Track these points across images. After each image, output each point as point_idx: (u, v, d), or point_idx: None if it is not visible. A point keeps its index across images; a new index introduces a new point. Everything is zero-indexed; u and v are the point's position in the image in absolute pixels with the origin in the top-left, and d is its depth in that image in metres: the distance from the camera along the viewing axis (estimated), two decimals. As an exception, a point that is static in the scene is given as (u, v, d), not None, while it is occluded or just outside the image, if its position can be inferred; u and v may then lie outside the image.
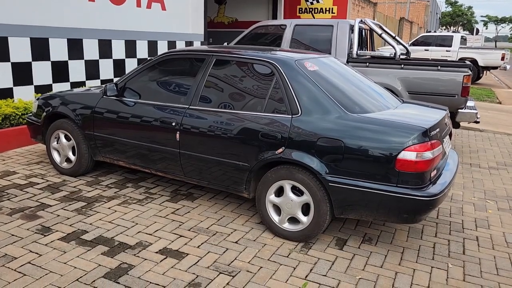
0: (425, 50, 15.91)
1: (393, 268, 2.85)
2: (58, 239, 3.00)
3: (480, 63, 15.28)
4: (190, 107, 3.44)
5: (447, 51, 15.58)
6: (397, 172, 2.73)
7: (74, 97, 4.13)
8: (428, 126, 2.80)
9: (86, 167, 4.17)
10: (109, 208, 3.56)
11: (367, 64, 5.58)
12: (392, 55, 6.28)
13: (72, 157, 4.18)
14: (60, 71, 6.09)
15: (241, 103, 3.26)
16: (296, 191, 3.08)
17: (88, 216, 3.38)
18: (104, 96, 3.81)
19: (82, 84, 6.47)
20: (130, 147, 3.78)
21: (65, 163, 4.27)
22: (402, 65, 5.41)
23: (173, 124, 3.45)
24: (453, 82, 5.12)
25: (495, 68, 15.41)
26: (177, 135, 3.44)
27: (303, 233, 3.07)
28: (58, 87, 6.08)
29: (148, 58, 3.52)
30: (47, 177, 4.21)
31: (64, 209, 3.48)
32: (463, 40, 16.88)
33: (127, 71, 7.26)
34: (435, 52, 15.50)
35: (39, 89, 5.84)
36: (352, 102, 3.04)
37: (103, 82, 6.85)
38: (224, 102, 3.33)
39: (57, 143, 4.26)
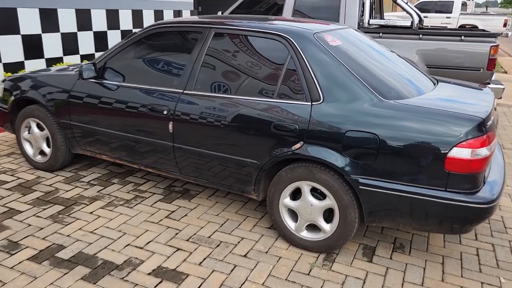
0: (424, 17, 15.21)
1: (436, 285, 2.37)
2: (27, 259, 2.45)
3: (482, 30, 14.66)
4: (185, 91, 2.85)
5: (447, 17, 14.90)
6: (446, 173, 2.20)
7: (46, 79, 3.49)
8: (484, 116, 2.26)
9: (63, 161, 3.58)
10: (91, 212, 3.00)
11: (380, 34, 4.97)
12: (398, 24, 5.65)
13: (47, 150, 3.58)
14: (32, 46, 5.38)
15: (247, 87, 2.67)
16: (317, 193, 2.56)
17: (66, 225, 2.82)
18: (80, 79, 3.17)
19: (59, 60, 5.77)
20: (113, 139, 3.19)
21: (39, 156, 3.67)
22: (420, 35, 4.81)
23: (165, 112, 2.86)
24: (479, 54, 4.56)
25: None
26: (170, 125, 2.86)
27: (326, 244, 2.56)
28: (32, 65, 5.38)
29: (133, 32, 2.84)
30: (18, 173, 3.61)
31: (37, 216, 2.92)
32: (463, 6, 16.19)
33: (110, 45, 6.55)
34: (434, 19, 14.82)
35: (8, 67, 5.14)
36: (386, 85, 2.47)
37: (83, 57, 6.15)
38: (227, 86, 2.74)
39: (28, 133, 3.65)
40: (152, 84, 2.98)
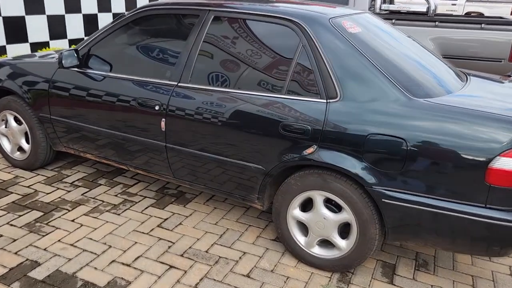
0: (428, 3, 14.74)
1: (468, 314, 2.05)
2: (-5, 280, 2.11)
3: (488, 18, 14.23)
4: (179, 84, 2.48)
5: (452, 4, 14.45)
6: (487, 187, 1.86)
7: (23, 66, 3.10)
8: (534, 119, 1.91)
9: (44, 159, 3.22)
10: (73, 220, 2.65)
11: (393, 21, 4.58)
12: (413, 10, 5.26)
13: (26, 146, 3.21)
14: (15, 29, 4.96)
15: (251, 81, 2.31)
16: (332, 205, 2.22)
17: (43, 236, 2.47)
18: (61, 67, 2.78)
19: (45, 45, 5.36)
20: (98, 136, 2.83)
21: (18, 152, 3.30)
22: (436, 23, 4.43)
23: (157, 108, 2.49)
24: (500, 44, 4.19)
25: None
26: (162, 122, 2.50)
27: (340, 263, 2.23)
28: (14, 50, 4.97)
29: (120, 15, 2.45)
30: (-6, 172, 3.25)
31: (11, 225, 2.57)
32: (468, -8, 15.71)
33: (100, 29, 6.12)
34: (440, 6, 14.37)
35: (-11, 52, 4.74)
36: (414, 81, 2.11)
37: (72, 42, 5.73)
38: (227, 79, 2.37)
39: (5, 127, 3.28)
40: (142, 75, 2.61)
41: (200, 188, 2.61)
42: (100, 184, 3.14)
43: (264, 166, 2.27)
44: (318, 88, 2.13)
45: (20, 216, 2.66)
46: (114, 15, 6.34)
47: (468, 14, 14.14)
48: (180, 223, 2.69)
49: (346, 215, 2.15)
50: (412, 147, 1.92)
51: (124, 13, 6.50)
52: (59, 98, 2.89)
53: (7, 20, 4.82)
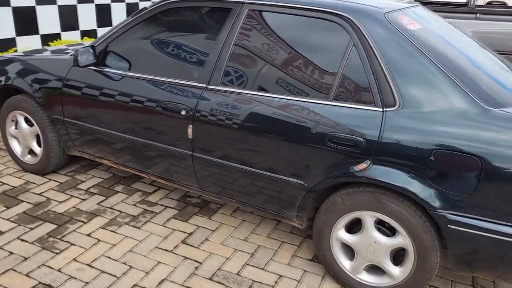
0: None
1: None
2: (4, 308, 1.87)
3: None
4: (208, 86, 2.20)
5: (473, -6, 13.92)
6: None
7: (35, 63, 2.84)
8: None
9: (57, 164, 2.98)
10: (89, 234, 2.41)
11: (429, 13, 4.24)
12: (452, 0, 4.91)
13: (37, 149, 2.97)
14: (25, 21, 4.70)
15: (292, 84, 2.03)
16: (384, 228, 1.94)
17: (57, 254, 2.23)
18: (76, 65, 2.51)
19: (56, 37, 5.10)
20: (116, 142, 2.57)
21: (29, 156, 3.06)
22: (477, 15, 4.09)
23: (183, 113, 2.22)
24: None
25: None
26: (189, 129, 2.23)
27: (393, 292, 1.96)
28: (24, 42, 4.72)
29: (142, 7, 2.15)
30: (2, 176, 3.01)
31: (22, 240, 2.33)
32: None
33: (114, 20, 5.86)
34: (460, -4, 13.86)
35: (-2, 45, 4.49)
36: (487, 88, 1.81)
37: (84, 34, 5.47)
38: (264, 82, 2.09)
39: (15, 128, 3.03)
40: (167, 75, 2.34)
41: (229, 201, 2.35)
42: (117, 192, 2.89)
43: (307, 181, 1.99)
44: (373, 94, 1.84)
45: (31, 229, 2.43)
46: (128, 5, 6.06)
47: (489, 3, 13.63)
48: (207, 239, 2.43)
49: (402, 240, 1.87)
50: (488, 166, 1.63)
51: (138, 3, 6.22)
52: (74, 98, 2.63)
53: (17, 11, 4.57)
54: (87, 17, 5.46)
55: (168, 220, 2.60)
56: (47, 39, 4.98)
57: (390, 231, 1.93)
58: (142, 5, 6.29)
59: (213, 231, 2.51)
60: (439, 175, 1.71)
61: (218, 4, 2.27)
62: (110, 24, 5.83)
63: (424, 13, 2.30)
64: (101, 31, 5.67)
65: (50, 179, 3.00)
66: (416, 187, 1.75)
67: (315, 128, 1.91)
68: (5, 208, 2.62)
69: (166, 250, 2.32)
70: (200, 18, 2.35)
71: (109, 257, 2.23)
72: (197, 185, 2.40)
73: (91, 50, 2.51)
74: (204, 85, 2.21)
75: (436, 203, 1.73)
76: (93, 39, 5.40)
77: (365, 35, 1.88)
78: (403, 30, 1.89)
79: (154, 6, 2.43)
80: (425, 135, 1.72)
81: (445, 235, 1.77)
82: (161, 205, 2.76)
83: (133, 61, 2.50)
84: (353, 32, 1.91)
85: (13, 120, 3.03)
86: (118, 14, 5.94)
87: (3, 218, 2.51)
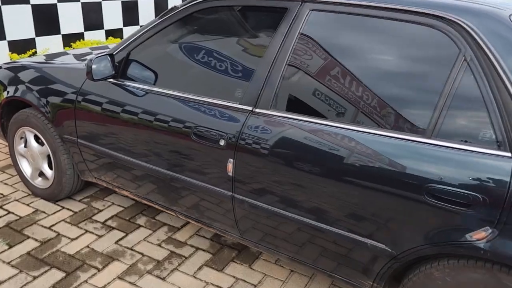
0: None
1: None
2: None
3: None
4: (256, 110, 1.69)
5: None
6: None
7: (46, 71, 2.40)
8: None
9: (70, 190, 2.55)
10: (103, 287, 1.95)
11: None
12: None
13: (49, 172, 2.54)
14: (45, 19, 4.31)
15: (373, 112, 1.49)
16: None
17: (62, 317, 1.78)
18: (89, 79, 2.05)
19: (79, 37, 4.71)
20: (138, 172, 2.10)
21: (39, 178, 2.64)
22: None
23: (222, 143, 1.72)
24: None
25: None
26: (230, 164, 1.73)
27: None
28: (45, 42, 4.34)
29: (172, 7, 1.65)
30: (9, 201, 2.60)
31: (21, 295, 1.89)
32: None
33: (141, 19, 5.43)
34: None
35: (15, 46, 4.11)
36: None
37: (108, 33, 5.06)
38: (332, 106, 1.57)
39: (24, 147, 2.61)
40: (201, 93, 1.85)
41: (280, 256, 1.84)
42: (139, 226, 2.43)
43: (391, 247, 1.46)
44: (496, 132, 1.29)
45: (35, 278, 1.99)
46: (156, 2, 5.63)
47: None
48: (248, 299, 1.94)
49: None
50: None
51: (168, 1, 5.77)
52: (89, 116, 2.18)
53: (37, 8, 4.18)
54: (112, 14, 5.04)
55: (199, 268, 2.11)
56: (70, 39, 4.59)
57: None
58: (172, 3, 5.84)
59: (255, 286, 2.01)
60: None
61: (270, 3, 1.75)
62: (137, 23, 5.41)
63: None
64: (128, 31, 5.25)
65: (63, 207, 2.57)
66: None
67: (408, 175, 1.37)
68: (8, 247, 2.19)
69: (197, 314, 1.83)
70: (245, 21, 1.84)
71: (126, 324, 1.76)
72: (237, 232, 1.90)
73: (108, 59, 2.04)
74: (250, 108, 1.70)
75: None
76: (118, 40, 4.97)
77: (484, 45, 1.33)
78: (540, 40, 1.33)
79: (187, 5, 1.94)
80: None
81: None
82: (191, 245, 2.28)
83: (160, 74, 2.02)
84: (464, 41, 1.36)
85: (22, 137, 2.61)
86: (146, 12, 5.52)
87: (3, 261, 2.08)
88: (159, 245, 2.27)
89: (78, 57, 2.65)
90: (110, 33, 5.06)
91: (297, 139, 1.57)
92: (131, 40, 2.09)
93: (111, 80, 2.10)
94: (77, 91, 2.22)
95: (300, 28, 1.66)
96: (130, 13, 5.29)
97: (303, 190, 1.58)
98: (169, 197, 2.06)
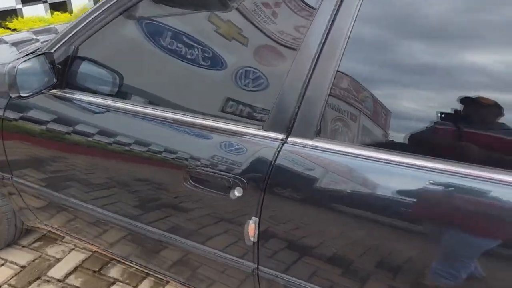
0: None
1: None
2: None
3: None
4: (290, 139, 1.05)
5: None
6: None
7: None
8: None
9: (12, 238, 1.86)
10: None
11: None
12: None
13: (-23, 215, 1.83)
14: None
15: (460, 145, 0.89)
16: None
17: None
18: (13, 94, 1.33)
19: (11, 13, 3.80)
20: (106, 225, 1.44)
21: (-33, 222, 1.92)
22: None
23: (237, 193, 1.09)
24: None
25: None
26: (251, 226, 1.10)
27: None
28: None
29: None
30: None
31: None
32: None
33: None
34: None
35: None
36: None
37: (53, 6, 4.16)
38: (407, 135, 0.95)
39: None
40: (197, 111, 1.19)
41: None
42: (114, 281, 1.78)
43: None
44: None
45: None
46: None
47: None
48: None
49: None
50: None
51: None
52: (24, 144, 1.48)
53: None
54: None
55: None
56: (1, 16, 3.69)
57: None
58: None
59: None
60: None
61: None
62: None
63: None
64: (77, 2, 4.35)
65: (5, 261, 1.88)
66: None
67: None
68: None
69: None
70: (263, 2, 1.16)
71: None
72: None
73: (45, 61, 1.33)
74: (281, 137, 1.06)
75: None
76: (67, 16, 4.09)
77: None
78: None
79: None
80: None
81: None
82: (187, 307, 1.67)
83: (130, 81, 1.33)
84: None
85: None
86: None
87: None
88: (144, 311, 1.65)
89: (18, 47, 1.90)
90: (54, 7, 4.15)
91: (358, 187, 0.96)
92: (78, 28, 1.37)
93: (53, 91, 1.39)
94: (3, 107, 1.50)
95: (356, 13, 1.00)
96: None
97: (365, 261, 0.99)
98: (154, 260, 1.42)
